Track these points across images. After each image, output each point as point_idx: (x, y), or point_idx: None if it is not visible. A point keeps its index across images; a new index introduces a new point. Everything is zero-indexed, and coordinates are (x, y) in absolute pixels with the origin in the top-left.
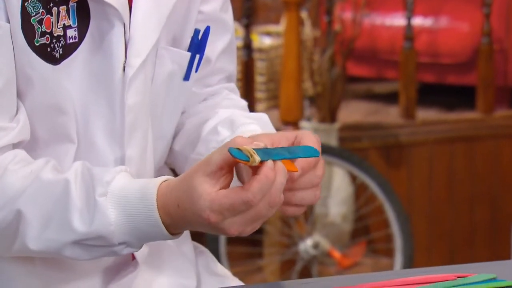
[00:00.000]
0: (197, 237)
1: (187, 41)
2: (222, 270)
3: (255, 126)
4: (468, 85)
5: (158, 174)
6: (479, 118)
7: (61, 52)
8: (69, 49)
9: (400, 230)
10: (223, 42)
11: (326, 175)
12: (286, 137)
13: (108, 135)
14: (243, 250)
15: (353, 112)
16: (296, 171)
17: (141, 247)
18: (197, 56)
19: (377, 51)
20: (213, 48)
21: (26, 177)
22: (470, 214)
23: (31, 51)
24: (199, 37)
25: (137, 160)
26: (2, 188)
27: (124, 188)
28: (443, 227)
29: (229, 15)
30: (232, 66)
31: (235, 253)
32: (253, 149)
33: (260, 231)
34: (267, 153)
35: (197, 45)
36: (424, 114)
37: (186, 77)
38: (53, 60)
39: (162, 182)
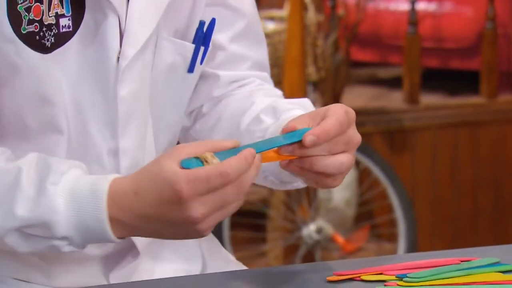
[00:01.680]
0: None
1: (193, 33)
2: (226, 255)
3: (298, 111)
4: (472, 70)
5: None
6: (483, 103)
7: (53, 41)
8: (62, 38)
9: (404, 215)
10: (237, 28)
11: None
12: (317, 114)
13: (102, 126)
14: (246, 235)
15: (356, 97)
16: (277, 160)
17: (83, 247)
18: (202, 48)
19: (381, 36)
20: (225, 34)
21: None
22: (474, 199)
23: (17, 38)
24: (204, 29)
25: (133, 151)
26: None
27: (77, 181)
28: (446, 212)
29: (242, 2)
30: (256, 53)
31: (238, 238)
32: (216, 153)
33: (263, 216)
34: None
35: (202, 37)
36: (428, 99)
37: (191, 69)
38: (43, 48)
39: (115, 178)
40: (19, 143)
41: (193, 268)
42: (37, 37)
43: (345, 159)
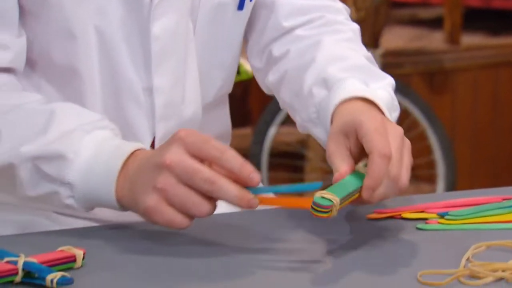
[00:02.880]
0: None
1: None
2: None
3: (351, 81)
4: None
5: (213, 108)
6: None
7: None
8: None
9: (443, 156)
10: None
11: None
12: (350, 132)
13: (135, 64)
14: (284, 176)
15: (396, 37)
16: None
17: (83, 208)
18: None
19: None
20: None
21: (10, 104)
22: None
23: None
24: None
25: (169, 90)
26: None
27: (107, 139)
28: (486, 153)
29: None
30: None
31: (276, 179)
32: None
33: (301, 157)
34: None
35: None
36: (469, 39)
37: (240, 7)
38: None
39: (141, 147)
40: (47, 83)
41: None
42: None
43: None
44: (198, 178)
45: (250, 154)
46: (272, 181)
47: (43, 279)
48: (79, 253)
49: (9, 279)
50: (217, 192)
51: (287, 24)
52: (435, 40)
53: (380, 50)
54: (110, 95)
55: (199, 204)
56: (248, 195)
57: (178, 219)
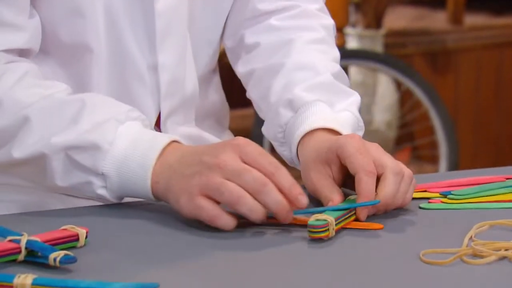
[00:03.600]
0: None
1: None
2: None
3: (318, 107)
4: None
5: (203, 84)
6: None
7: None
8: None
9: (445, 137)
10: None
11: (371, 81)
12: (331, 158)
13: (139, 41)
14: None
15: (399, 17)
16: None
17: (114, 198)
18: None
19: None
20: None
21: (39, 93)
22: None
23: None
24: None
25: (173, 67)
26: (13, 96)
27: (142, 129)
28: (489, 134)
29: None
30: None
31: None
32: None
33: None
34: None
35: None
36: (472, 19)
37: None
38: None
39: (175, 141)
40: (53, 61)
41: None
42: None
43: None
44: (249, 176)
45: (252, 135)
46: None
47: (46, 257)
48: (82, 232)
49: (12, 257)
50: (265, 194)
51: (261, 7)
52: (438, 20)
53: (382, 30)
54: (115, 73)
55: (234, 189)
56: (288, 207)
57: (209, 206)
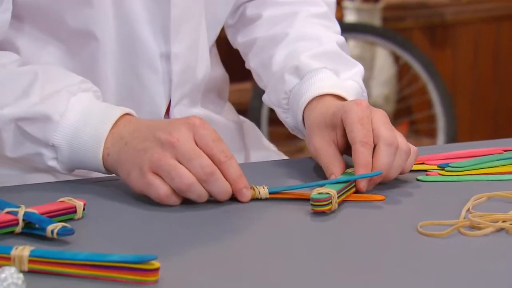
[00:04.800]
0: (240, 113)
1: None
2: (268, 145)
3: (324, 74)
4: None
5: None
6: None
7: None
8: None
9: (443, 110)
10: None
11: (369, 55)
12: (334, 124)
13: (153, 30)
14: (284, 131)
15: None
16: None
17: (65, 170)
18: None
19: None
20: None
21: None
22: None
23: None
24: None
25: (185, 56)
26: None
27: (92, 101)
28: (487, 107)
29: None
30: None
31: (277, 133)
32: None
33: None
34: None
35: None
36: None
37: None
38: None
39: (127, 114)
40: (62, 48)
41: (237, 157)
42: None
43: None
44: (198, 162)
45: (250, 108)
46: (272, 135)
47: (44, 229)
48: (79, 204)
49: (10, 229)
50: (211, 183)
51: None
52: None
53: (381, 4)
54: (125, 61)
55: (184, 176)
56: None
57: (158, 183)
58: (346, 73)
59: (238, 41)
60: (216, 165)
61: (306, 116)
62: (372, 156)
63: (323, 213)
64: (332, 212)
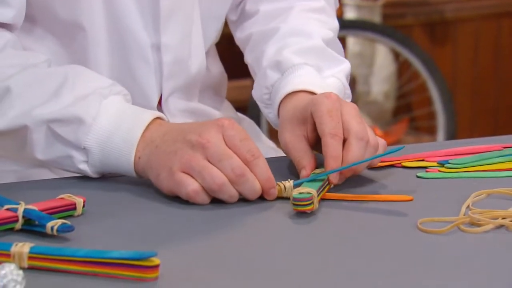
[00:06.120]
0: (240, 110)
1: None
2: (267, 142)
3: (304, 70)
4: None
5: (206, 58)
6: None
7: None
8: None
9: (443, 108)
10: None
11: (369, 52)
12: (304, 117)
13: (144, 21)
14: None
15: None
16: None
17: (95, 174)
18: None
19: None
20: None
21: (20, 64)
22: None
23: None
24: None
25: (176, 47)
26: None
27: (124, 105)
28: (487, 104)
29: None
30: None
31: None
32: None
33: None
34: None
35: None
36: None
37: None
38: None
39: (158, 118)
40: (51, 38)
41: None
42: None
43: (357, 147)
44: (228, 163)
45: (250, 105)
46: (272, 132)
47: (43, 226)
48: (79, 201)
49: (9, 226)
50: (242, 184)
51: None
52: None
53: (381, 1)
54: (117, 52)
55: (216, 176)
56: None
57: (188, 180)
58: (330, 70)
59: (237, 36)
60: (245, 163)
61: (280, 111)
62: (343, 150)
63: (306, 213)
64: (313, 212)
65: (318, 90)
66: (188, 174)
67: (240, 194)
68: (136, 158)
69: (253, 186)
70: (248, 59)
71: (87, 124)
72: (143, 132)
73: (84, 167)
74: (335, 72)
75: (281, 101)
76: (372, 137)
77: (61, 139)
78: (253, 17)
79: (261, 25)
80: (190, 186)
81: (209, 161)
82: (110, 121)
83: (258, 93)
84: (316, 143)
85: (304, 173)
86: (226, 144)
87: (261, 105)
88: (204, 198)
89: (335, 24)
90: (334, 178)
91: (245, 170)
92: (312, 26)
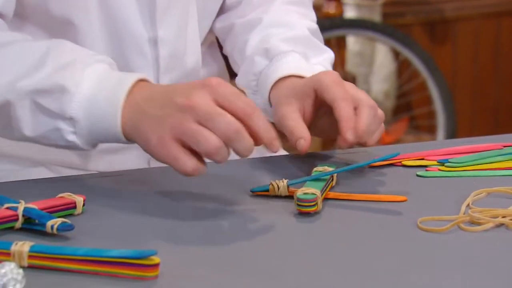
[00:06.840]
0: None
1: None
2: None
3: (292, 56)
4: None
5: (205, 54)
6: None
7: None
8: None
9: (443, 107)
10: None
11: (369, 51)
12: (305, 93)
13: (140, 14)
14: None
15: None
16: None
17: (85, 145)
18: None
19: None
20: None
21: (1, 42)
22: None
23: None
24: None
25: (173, 41)
26: None
27: (109, 71)
28: (487, 103)
29: None
30: None
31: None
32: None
33: None
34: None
35: None
36: None
37: None
38: None
39: (142, 80)
40: (47, 35)
41: None
42: None
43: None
44: (223, 119)
45: None
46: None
47: (44, 225)
48: (79, 199)
49: (9, 225)
50: (237, 141)
51: None
52: None
53: (380, 0)
54: (113, 47)
55: (211, 139)
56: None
57: (185, 158)
58: (316, 58)
59: (216, 27)
60: (241, 121)
61: (273, 95)
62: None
63: (310, 214)
64: (317, 213)
65: (308, 75)
66: (181, 140)
67: (235, 152)
68: (123, 123)
69: (248, 143)
70: (228, 49)
71: (71, 92)
72: (127, 97)
73: (73, 138)
74: (321, 60)
75: (273, 86)
76: (380, 110)
77: (46, 111)
78: (234, 8)
79: (243, 15)
80: (188, 167)
81: (200, 123)
82: (93, 86)
83: (244, 80)
84: (311, 122)
85: (302, 143)
86: (219, 103)
87: (247, 92)
88: (201, 172)
89: (314, 16)
90: (350, 136)
91: (239, 126)
92: (293, 17)
